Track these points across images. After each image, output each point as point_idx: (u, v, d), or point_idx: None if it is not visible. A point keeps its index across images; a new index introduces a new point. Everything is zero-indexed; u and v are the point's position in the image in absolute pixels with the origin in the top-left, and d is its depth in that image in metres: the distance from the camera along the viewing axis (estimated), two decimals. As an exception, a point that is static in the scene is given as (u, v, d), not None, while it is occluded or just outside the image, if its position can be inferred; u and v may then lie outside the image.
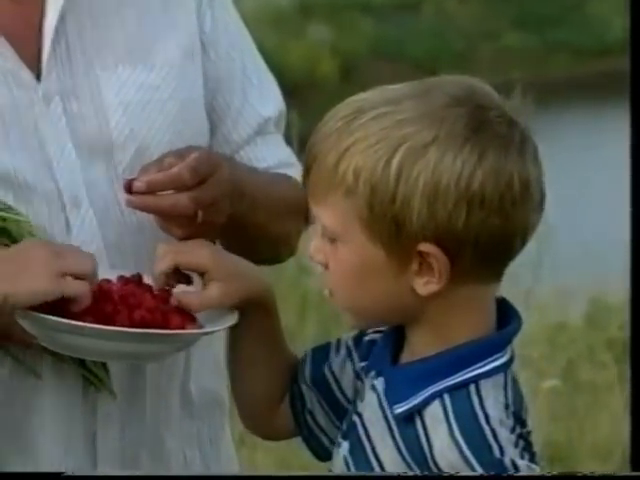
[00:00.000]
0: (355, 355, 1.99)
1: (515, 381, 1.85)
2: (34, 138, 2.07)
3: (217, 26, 2.22)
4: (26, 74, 2.08)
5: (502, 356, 1.84)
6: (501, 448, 1.77)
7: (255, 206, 2.13)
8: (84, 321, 1.89)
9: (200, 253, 2.00)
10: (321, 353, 2.03)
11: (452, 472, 1.78)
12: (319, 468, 2.13)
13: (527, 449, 1.81)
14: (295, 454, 2.11)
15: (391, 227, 1.77)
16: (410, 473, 1.86)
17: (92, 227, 2.09)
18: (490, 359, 1.83)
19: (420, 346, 1.86)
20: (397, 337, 1.90)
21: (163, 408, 2.17)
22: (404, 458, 1.81)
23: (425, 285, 1.79)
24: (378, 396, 1.86)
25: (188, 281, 1.99)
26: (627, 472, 1.87)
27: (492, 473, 1.78)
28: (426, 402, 1.80)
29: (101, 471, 1.89)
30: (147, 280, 2.01)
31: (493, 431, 1.78)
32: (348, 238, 1.81)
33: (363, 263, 1.81)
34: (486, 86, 1.83)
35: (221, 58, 2.21)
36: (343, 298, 1.88)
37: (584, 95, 23.13)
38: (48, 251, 1.91)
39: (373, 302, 1.86)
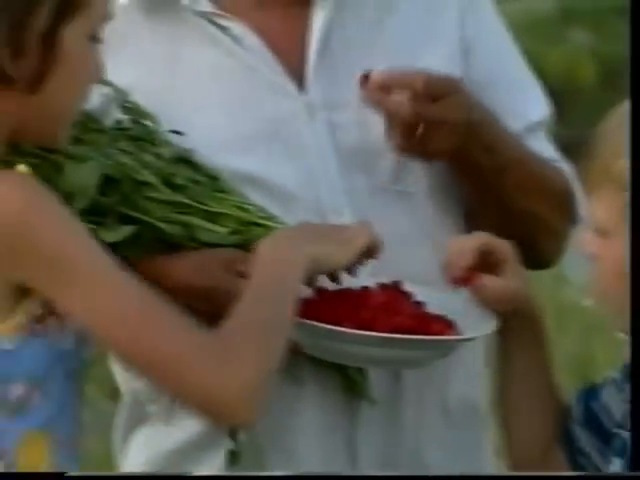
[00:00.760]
0: (620, 384, 1.94)
1: None
2: (297, 148, 2.11)
3: (480, 31, 2.22)
4: (290, 86, 2.14)
5: None
6: None
7: (499, 162, 2.12)
8: (344, 327, 1.91)
9: (503, 242, 1.97)
10: (592, 391, 1.99)
11: None
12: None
13: None
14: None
15: None
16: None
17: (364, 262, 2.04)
18: None
19: None
20: None
21: (422, 415, 2.17)
22: None
23: None
24: None
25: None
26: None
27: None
28: None
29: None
30: (407, 288, 2.01)
31: None
32: (619, 232, 1.79)
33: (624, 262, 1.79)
34: None
35: (483, 63, 2.20)
36: (613, 297, 1.86)
37: None
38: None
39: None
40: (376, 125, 2.11)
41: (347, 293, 2.00)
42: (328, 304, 1.98)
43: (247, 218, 2.03)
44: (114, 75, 1.99)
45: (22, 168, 1.89)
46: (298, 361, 2.03)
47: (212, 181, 2.05)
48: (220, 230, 2.01)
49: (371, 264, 2.03)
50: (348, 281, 2.02)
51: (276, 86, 2.12)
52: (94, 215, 1.95)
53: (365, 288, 2.01)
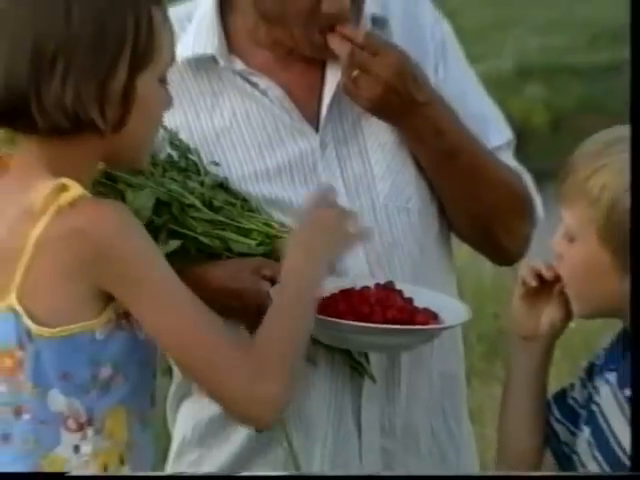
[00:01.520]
0: (584, 376, 1.95)
1: None
2: (313, 176, 2.07)
3: (448, 76, 2.16)
4: (307, 128, 2.09)
5: None
6: None
7: (450, 145, 2.08)
8: (347, 320, 1.90)
9: None
10: (561, 395, 1.98)
11: None
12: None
13: None
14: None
15: (622, 236, 1.76)
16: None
17: (358, 248, 2.04)
18: None
19: None
20: (625, 341, 1.87)
21: (412, 389, 2.11)
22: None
23: None
24: (611, 386, 1.83)
25: None
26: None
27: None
28: None
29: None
30: (399, 287, 1.99)
31: None
32: (583, 240, 1.80)
33: (592, 262, 1.81)
34: None
35: (453, 99, 2.13)
36: (573, 289, 1.86)
37: None
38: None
39: (598, 296, 1.84)
40: (374, 155, 2.08)
41: (350, 292, 1.98)
42: (335, 301, 1.95)
43: (271, 232, 2.00)
44: (167, 118, 1.96)
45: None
46: (313, 347, 1.97)
47: (243, 203, 2.02)
48: (250, 242, 1.98)
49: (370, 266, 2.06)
50: (352, 282, 2.00)
51: (296, 129, 2.08)
52: (149, 232, 1.87)
53: (364, 287, 1.98)
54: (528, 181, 2.18)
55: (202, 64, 2.09)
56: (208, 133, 2.05)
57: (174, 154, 2.02)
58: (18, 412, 1.75)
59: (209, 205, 1.98)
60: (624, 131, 1.82)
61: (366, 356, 2.05)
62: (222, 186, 2.02)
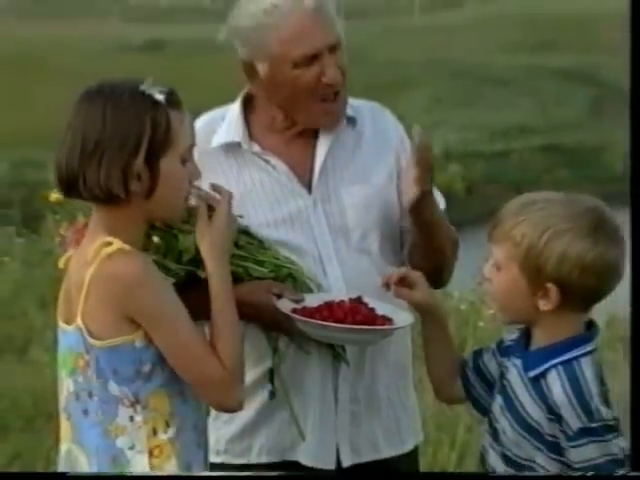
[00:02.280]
0: (497, 353, 1.93)
1: (599, 361, 1.80)
2: (307, 225, 2.08)
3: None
4: (303, 192, 2.10)
5: (591, 346, 1.80)
6: (592, 395, 1.73)
7: (435, 218, 2.10)
8: (329, 322, 1.90)
9: (417, 273, 2.00)
10: (478, 353, 1.98)
11: (568, 425, 1.74)
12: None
13: (607, 402, 1.76)
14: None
15: (534, 270, 1.76)
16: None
17: (337, 273, 2.06)
18: (584, 346, 1.79)
19: (541, 339, 1.82)
20: (527, 337, 1.86)
21: (374, 369, 2.10)
22: (535, 401, 1.78)
23: (544, 305, 1.78)
24: (517, 369, 1.83)
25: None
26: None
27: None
28: (546, 370, 1.78)
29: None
30: (365, 299, 2.00)
31: (588, 387, 1.75)
32: (507, 269, 1.80)
33: (513, 285, 1.80)
34: (603, 204, 1.82)
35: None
36: (497, 302, 1.86)
37: None
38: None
39: (512, 307, 1.83)
40: (349, 212, 2.10)
41: (331, 303, 1.96)
42: (321, 310, 1.94)
43: (279, 263, 2.01)
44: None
45: (155, 239, 1.92)
46: (307, 342, 2.02)
47: (259, 243, 2.02)
48: (264, 270, 1.99)
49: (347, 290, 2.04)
50: (333, 297, 1.99)
51: (295, 192, 2.09)
52: (194, 263, 1.94)
53: (341, 300, 1.97)
54: (456, 234, 2.18)
55: (231, 148, 2.09)
56: (235, 197, 2.00)
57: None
58: (90, 395, 1.79)
59: (235, 244, 1.96)
60: (535, 196, 1.81)
61: (343, 348, 2.05)
62: (245, 231, 2.01)
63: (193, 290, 1.90)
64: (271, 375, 2.04)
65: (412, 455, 2.20)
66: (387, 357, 2.11)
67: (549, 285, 1.75)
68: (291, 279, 2.00)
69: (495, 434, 1.84)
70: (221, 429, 2.12)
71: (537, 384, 1.77)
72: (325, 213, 2.09)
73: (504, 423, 1.81)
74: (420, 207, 2.03)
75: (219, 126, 2.12)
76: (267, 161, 2.09)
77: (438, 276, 2.14)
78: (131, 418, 1.78)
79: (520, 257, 1.76)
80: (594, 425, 1.70)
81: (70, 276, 1.82)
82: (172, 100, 1.76)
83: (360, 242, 2.09)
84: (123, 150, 1.72)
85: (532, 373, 1.78)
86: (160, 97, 1.74)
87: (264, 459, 2.09)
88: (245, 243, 2.00)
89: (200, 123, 2.12)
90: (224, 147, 2.10)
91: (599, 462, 1.70)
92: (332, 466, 2.08)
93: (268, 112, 2.11)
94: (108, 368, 1.76)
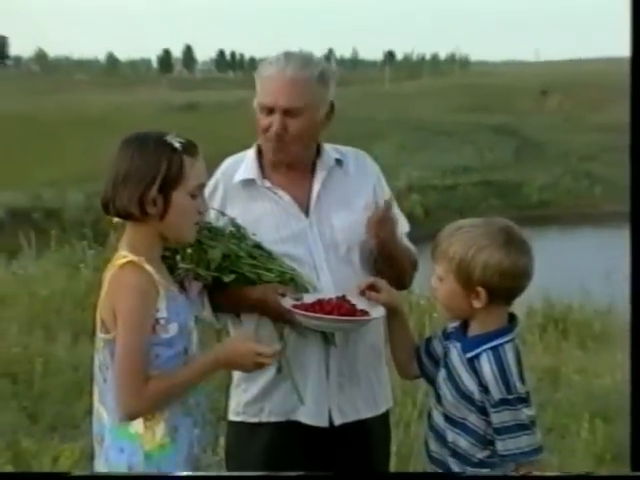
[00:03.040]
0: (442, 337, 1.90)
1: (518, 346, 1.79)
2: (305, 242, 2.03)
3: (382, 194, 2.12)
4: (302, 216, 2.05)
5: (512, 335, 1.78)
6: (512, 374, 1.72)
7: (399, 249, 2.06)
8: (320, 314, 1.87)
9: (381, 280, 1.96)
10: (428, 339, 1.94)
11: (492, 395, 1.72)
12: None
13: (522, 379, 1.74)
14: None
15: (466, 278, 1.74)
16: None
17: (327, 278, 2.01)
18: (507, 336, 1.78)
19: (475, 329, 1.80)
20: (465, 326, 1.83)
21: (356, 350, 2.05)
22: (470, 376, 1.76)
23: (476, 304, 1.76)
24: (457, 350, 1.81)
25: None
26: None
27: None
28: (479, 354, 1.76)
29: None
30: (349, 298, 1.94)
31: (509, 368, 1.73)
32: (447, 280, 1.78)
33: (452, 291, 1.77)
34: (512, 224, 1.79)
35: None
36: (441, 304, 1.84)
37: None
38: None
39: (453, 307, 1.80)
40: (337, 233, 2.04)
41: (322, 300, 1.91)
42: (314, 305, 1.90)
43: (283, 270, 1.97)
44: (231, 212, 1.99)
45: (188, 251, 1.86)
46: (304, 329, 1.96)
47: (268, 255, 1.98)
48: (272, 275, 1.95)
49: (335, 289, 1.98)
50: (324, 295, 1.94)
51: (296, 216, 2.04)
52: (219, 270, 1.90)
53: (330, 298, 1.92)
54: (415, 251, 2.14)
55: (248, 183, 2.05)
56: (251, 220, 2.00)
57: (233, 230, 1.98)
58: (107, 367, 1.73)
59: (250, 256, 1.94)
60: (461, 223, 1.79)
61: (332, 334, 2.00)
62: (258, 246, 1.97)
63: (217, 290, 1.90)
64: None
65: (385, 416, 2.16)
66: (365, 341, 2.07)
67: (479, 288, 1.73)
68: (292, 282, 1.96)
69: (439, 398, 1.82)
70: (240, 396, 2.07)
71: (472, 363, 1.76)
72: (319, 232, 2.04)
73: (446, 391, 1.80)
74: (381, 248, 2.01)
75: (240, 167, 2.08)
76: (275, 193, 2.05)
77: (401, 283, 2.11)
78: None
79: (454, 269, 1.74)
80: (510, 397, 1.70)
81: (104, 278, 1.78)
82: (188, 148, 1.72)
83: (346, 255, 2.04)
84: (141, 181, 1.68)
85: (468, 355, 1.77)
86: (177, 145, 1.70)
87: (273, 419, 2.04)
88: (258, 255, 1.97)
89: (226, 164, 2.10)
90: (243, 182, 2.06)
91: (509, 425, 1.70)
92: (325, 424, 2.02)
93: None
94: (111, 354, 1.71)
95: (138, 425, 1.70)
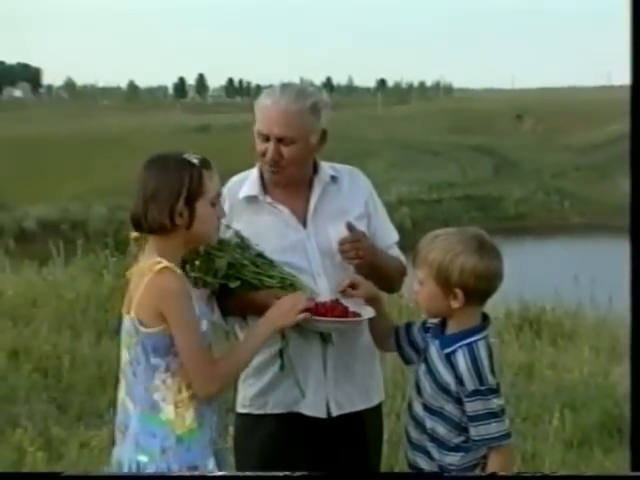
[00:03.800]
0: (422, 329, 1.89)
1: (489, 343, 1.78)
2: (303, 251, 2.01)
3: (373, 208, 2.11)
4: (300, 227, 2.03)
5: (485, 333, 1.79)
6: (484, 368, 1.72)
7: (385, 261, 2.04)
8: (318, 317, 1.85)
9: (364, 279, 1.97)
10: (409, 325, 1.93)
11: (466, 387, 1.71)
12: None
13: (493, 372, 1.74)
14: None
15: (444, 282, 1.74)
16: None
17: (324, 284, 1.99)
18: (481, 333, 1.78)
19: (453, 327, 1.79)
20: (443, 324, 1.82)
21: (350, 350, 2.03)
22: (447, 370, 1.75)
23: (455, 304, 1.75)
24: (436, 347, 1.80)
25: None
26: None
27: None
28: (455, 350, 1.76)
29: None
30: (341, 301, 1.92)
31: (482, 362, 1.73)
32: (427, 284, 1.77)
33: (432, 294, 1.77)
34: (483, 232, 1.79)
35: (374, 222, 2.09)
36: (422, 306, 1.84)
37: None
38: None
39: (434, 308, 1.80)
40: (332, 243, 2.01)
41: (319, 304, 1.88)
42: (311, 308, 1.85)
43: (284, 277, 1.94)
44: (235, 224, 1.97)
45: (197, 262, 1.85)
46: (304, 330, 1.94)
47: (270, 263, 1.95)
48: (273, 281, 1.93)
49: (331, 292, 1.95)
50: (322, 299, 1.91)
51: (295, 228, 2.03)
52: (225, 277, 1.89)
53: (326, 301, 1.90)
54: (404, 261, 2.12)
55: (252, 199, 2.03)
56: (254, 232, 1.97)
57: (238, 241, 1.96)
58: (138, 362, 1.73)
59: (254, 264, 1.92)
60: (438, 232, 1.78)
61: (329, 334, 1.98)
62: (260, 255, 1.95)
63: (224, 296, 1.89)
64: (281, 353, 1.96)
65: (377, 408, 2.14)
66: (359, 339, 2.05)
67: (456, 290, 1.73)
68: (292, 288, 1.93)
69: (419, 390, 1.82)
70: (246, 390, 2.05)
71: (449, 358, 1.76)
72: (316, 242, 2.02)
73: (425, 383, 1.80)
74: (364, 264, 1.98)
75: (244, 184, 2.07)
76: (275, 207, 2.04)
77: (390, 288, 2.13)
78: (164, 381, 1.73)
79: (434, 274, 1.74)
80: (482, 388, 1.71)
81: (131, 283, 1.76)
82: (204, 163, 1.74)
83: (341, 262, 2.01)
84: (170, 197, 1.69)
85: (446, 351, 1.76)
86: (195, 161, 1.72)
87: (276, 411, 2.02)
88: (260, 263, 1.95)
89: (231, 182, 2.08)
90: (247, 198, 2.05)
91: (481, 413, 1.71)
92: (324, 415, 2.00)
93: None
94: (150, 346, 1.71)
95: (169, 412, 1.71)
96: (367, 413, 2.09)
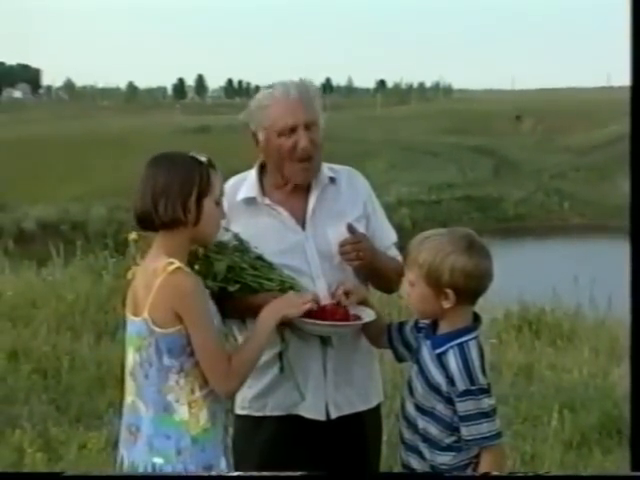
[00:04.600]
0: (414, 329, 1.89)
1: (480, 343, 1.79)
2: (302, 253, 2.01)
3: (372, 210, 2.11)
4: (299, 229, 2.03)
5: (476, 333, 1.79)
6: (475, 368, 1.73)
7: (383, 263, 2.04)
8: (319, 321, 1.86)
9: (357, 283, 1.98)
10: (401, 324, 1.94)
11: (457, 387, 1.71)
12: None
13: (484, 372, 1.74)
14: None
15: (435, 282, 1.74)
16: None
17: (323, 286, 1.98)
18: (472, 334, 1.78)
19: (444, 328, 1.80)
20: (434, 324, 1.83)
21: (350, 353, 2.03)
22: (438, 370, 1.76)
23: (446, 304, 1.76)
24: (427, 347, 1.81)
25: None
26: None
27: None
28: (447, 350, 1.76)
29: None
30: (343, 303, 1.91)
31: (473, 363, 1.73)
32: (418, 285, 1.77)
33: (422, 295, 1.77)
34: (472, 232, 1.79)
35: (373, 223, 2.10)
36: (413, 307, 1.83)
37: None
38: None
39: (425, 309, 1.80)
40: (331, 245, 2.01)
41: (321, 307, 1.88)
42: (311, 311, 1.85)
43: (283, 279, 1.93)
44: (234, 227, 1.96)
45: (196, 267, 1.85)
46: (304, 333, 1.94)
47: (269, 265, 1.95)
48: (272, 284, 1.92)
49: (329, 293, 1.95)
50: (323, 302, 1.91)
51: (294, 230, 2.03)
52: (224, 281, 1.88)
53: (326, 304, 1.90)
54: (400, 259, 2.10)
55: (250, 200, 2.04)
56: (253, 234, 1.97)
57: (237, 244, 1.95)
58: (150, 364, 1.73)
59: (253, 267, 1.91)
60: (427, 233, 1.78)
61: (329, 337, 1.97)
62: (259, 258, 1.94)
63: (223, 299, 1.87)
64: (280, 356, 1.96)
65: (376, 409, 2.14)
66: (358, 342, 2.05)
67: (447, 290, 1.73)
68: (291, 290, 1.92)
69: (411, 390, 1.83)
70: (245, 392, 2.04)
71: (440, 359, 1.76)
72: (315, 244, 2.02)
73: (417, 384, 1.80)
74: (364, 265, 1.99)
75: (242, 185, 2.07)
76: (274, 209, 2.04)
77: (389, 288, 2.15)
78: (177, 381, 1.73)
79: (424, 274, 1.74)
80: (473, 388, 1.71)
81: (137, 283, 1.75)
82: (210, 163, 1.77)
83: (340, 264, 2.01)
84: (182, 192, 1.71)
85: (437, 351, 1.77)
86: (204, 159, 1.75)
87: (276, 413, 2.02)
88: (259, 266, 1.94)
89: (230, 183, 2.08)
90: (245, 200, 2.05)
91: (473, 413, 1.71)
92: (323, 418, 2.00)
93: (273, 174, 2.05)
94: (164, 347, 1.71)
95: (183, 413, 1.71)
96: (366, 414, 2.08)
